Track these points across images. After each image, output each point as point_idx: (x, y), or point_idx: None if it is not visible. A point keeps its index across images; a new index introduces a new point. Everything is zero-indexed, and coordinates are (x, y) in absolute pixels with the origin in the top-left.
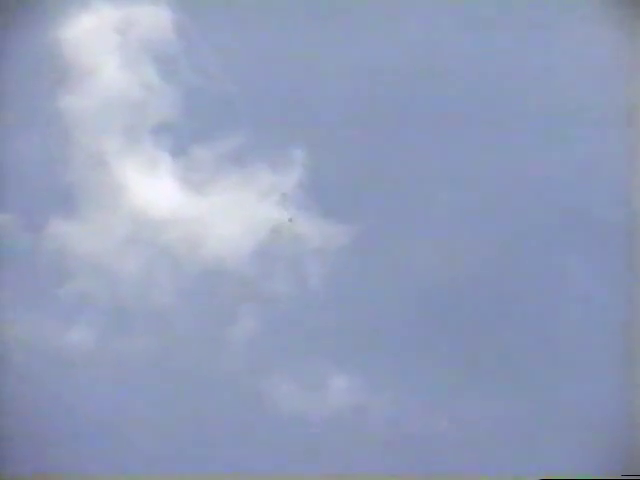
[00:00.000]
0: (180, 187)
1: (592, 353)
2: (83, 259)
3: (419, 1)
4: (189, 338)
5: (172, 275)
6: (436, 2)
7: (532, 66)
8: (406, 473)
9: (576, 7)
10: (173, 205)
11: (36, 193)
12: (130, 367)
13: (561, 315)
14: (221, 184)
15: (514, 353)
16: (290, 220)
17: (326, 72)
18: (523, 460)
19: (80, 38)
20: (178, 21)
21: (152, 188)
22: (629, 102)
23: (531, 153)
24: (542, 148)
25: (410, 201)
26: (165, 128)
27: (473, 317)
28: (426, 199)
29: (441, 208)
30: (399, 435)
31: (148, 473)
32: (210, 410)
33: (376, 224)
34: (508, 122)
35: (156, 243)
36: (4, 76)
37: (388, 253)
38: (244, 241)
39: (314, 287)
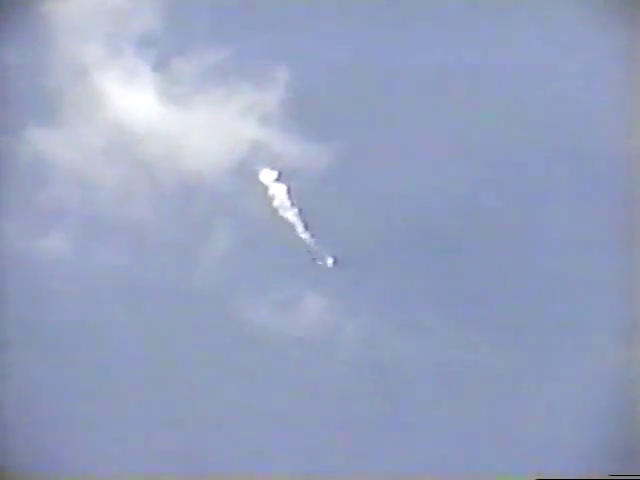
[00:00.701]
0: (160, 100)
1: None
2: (60, 167)
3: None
4: (164, 251)
5: (149, 188)
6: None
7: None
8: (376, 401)
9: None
10: (153, 118)
11: (15, 99)
12: (103, 277)
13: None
14: (202, 99)
15: (494, 282)
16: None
17: None
18: (491, 387)
19: None
20: None
21: (132, 100)
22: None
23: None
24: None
25: (394, 124)
26: (148, 40)
27: (454, 243)
28: (411, 122)
29: (427, 132)
30: (369, 357)
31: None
32: (182, 326)
33: (357, 145)
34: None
35: (134, 155)
36: None
37: (368, 174)
38: (223, 157)
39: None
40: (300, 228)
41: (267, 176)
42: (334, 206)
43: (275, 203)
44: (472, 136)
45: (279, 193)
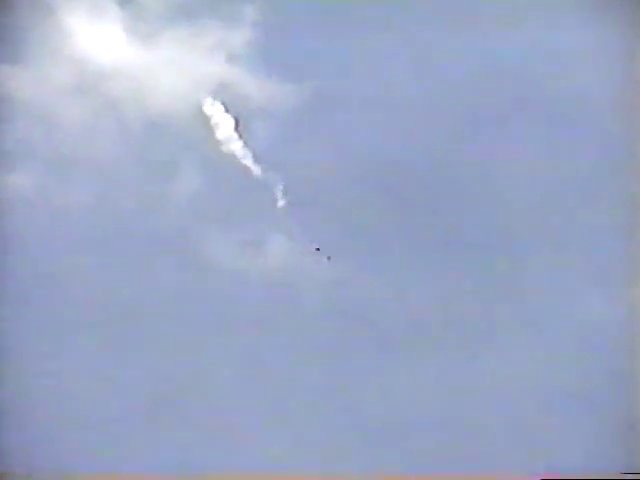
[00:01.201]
0: (127, 38)
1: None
2: (25, 105)
3: None
4: (131, 191)
5: (115, 126)
6: None
7: None
8: (340, 337)
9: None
10: (119, 55)
11: None
12: (69, 216)
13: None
14: (169, 37)
15: (457, 227)
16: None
17: None
18: (460, 332)
19: None
20: None
21: (99, 37)
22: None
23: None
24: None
25: (364, 66)
26: None
27: (420, 189)
28: (381, 62)
29: (396, 73)
30: (336, 297)
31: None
32: (148, 264)
33: (325, 88)
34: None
35: (100, 93)
36: None
37: (337, 117)
38: (190, 97)
39: (259, 147)
40: (249, 161)
41: (210, 107)
42: (300, 148)
43: (219, 135)
44: (446, 85)
45: (225, 125)
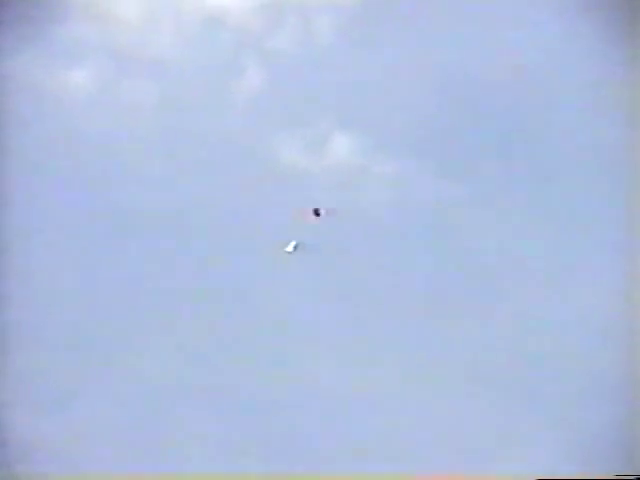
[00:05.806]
0: None
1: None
2: (80, 2)
3: None
4: (190, 88)
5: (174, 22)
6: None
7: None
8: (406, 236)
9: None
10: None
11: None
12: (128, 113)
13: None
14: None
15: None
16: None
17: None
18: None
19: None
20: None
21: None
22: None
23: None
24: None
25: None
26: None
27: (485, 112)
28: None
29: None
30: (400, 195)
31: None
32: (210, 164)
33: None
34: None
35: None
36: None
37: (406, 18)
38: None
39: (322, 44)
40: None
41: None
42: (365, 45)
43: None
44: None
45: None
